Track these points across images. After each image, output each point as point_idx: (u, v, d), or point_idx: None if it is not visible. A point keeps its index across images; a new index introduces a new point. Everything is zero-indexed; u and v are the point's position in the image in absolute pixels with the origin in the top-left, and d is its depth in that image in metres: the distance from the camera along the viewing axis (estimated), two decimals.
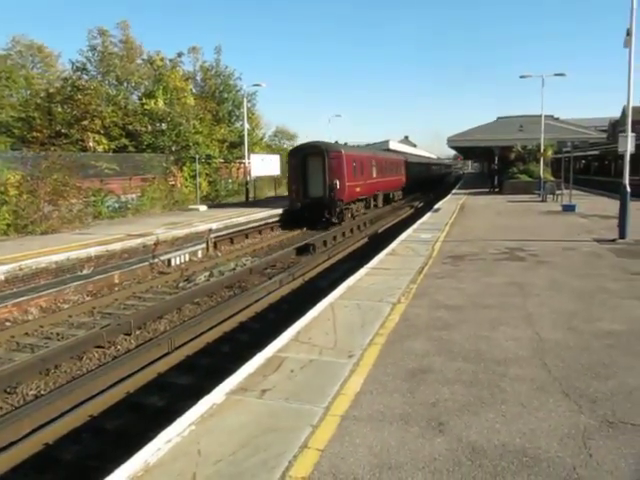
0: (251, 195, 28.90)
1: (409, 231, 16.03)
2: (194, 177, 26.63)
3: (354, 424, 4.04)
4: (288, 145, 60.60)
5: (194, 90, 32.42)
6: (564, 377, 4.76)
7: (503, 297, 7.67)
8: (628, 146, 12.99)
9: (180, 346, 8.25)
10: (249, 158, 29.09)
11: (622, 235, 12.78)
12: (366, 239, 20.71)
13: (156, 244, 14.86)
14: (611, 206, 19.94)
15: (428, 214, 21.68)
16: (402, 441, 3.77)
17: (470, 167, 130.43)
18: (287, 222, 23.10)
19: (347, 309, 7.34)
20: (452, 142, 41.75)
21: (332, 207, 22.78)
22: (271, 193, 31.86)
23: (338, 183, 22.45)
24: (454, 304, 7.35)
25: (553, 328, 6.17)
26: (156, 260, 14.77)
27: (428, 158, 70.72)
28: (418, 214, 25.62)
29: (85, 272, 12.34)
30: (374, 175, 28.95)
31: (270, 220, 22.53)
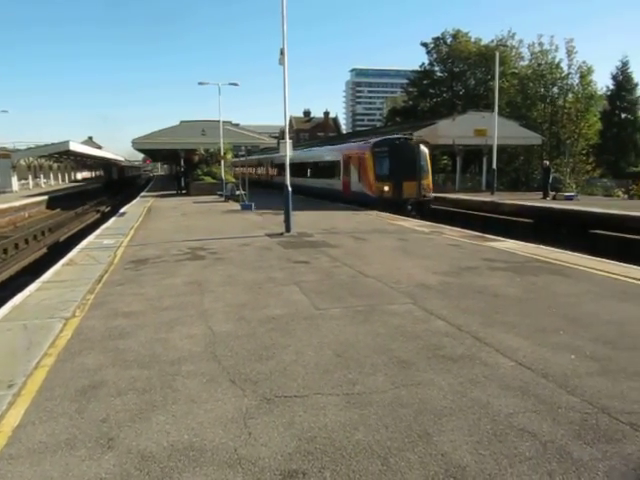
0: None
1: (91, 237, 15.08)
2: None
3: (9, 464, 3.56)
4: None
5: None
6: (232, 365, 5.14)
7: (182, 297, 7.86)
8: (287, 151, 14.90)
9: None
10: None
11: (287, 229, 14.59)
12: (45, 249, 18.73)
13: None
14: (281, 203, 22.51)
15: (113, 218, 20.77)
16: (66, 469, 3.49)
17: (160, 169, 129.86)
18: None
19: (11, 332, 6.44)
20: (137, 144, 40.86)
21: None
22: None
23: None
24: (133, 310, 7.19)
25: (225, 321, 6.62)
26: None
27: (115, 160, 67.67)
28: (104, 219, 24.44)
29: None
30: None
31: None
